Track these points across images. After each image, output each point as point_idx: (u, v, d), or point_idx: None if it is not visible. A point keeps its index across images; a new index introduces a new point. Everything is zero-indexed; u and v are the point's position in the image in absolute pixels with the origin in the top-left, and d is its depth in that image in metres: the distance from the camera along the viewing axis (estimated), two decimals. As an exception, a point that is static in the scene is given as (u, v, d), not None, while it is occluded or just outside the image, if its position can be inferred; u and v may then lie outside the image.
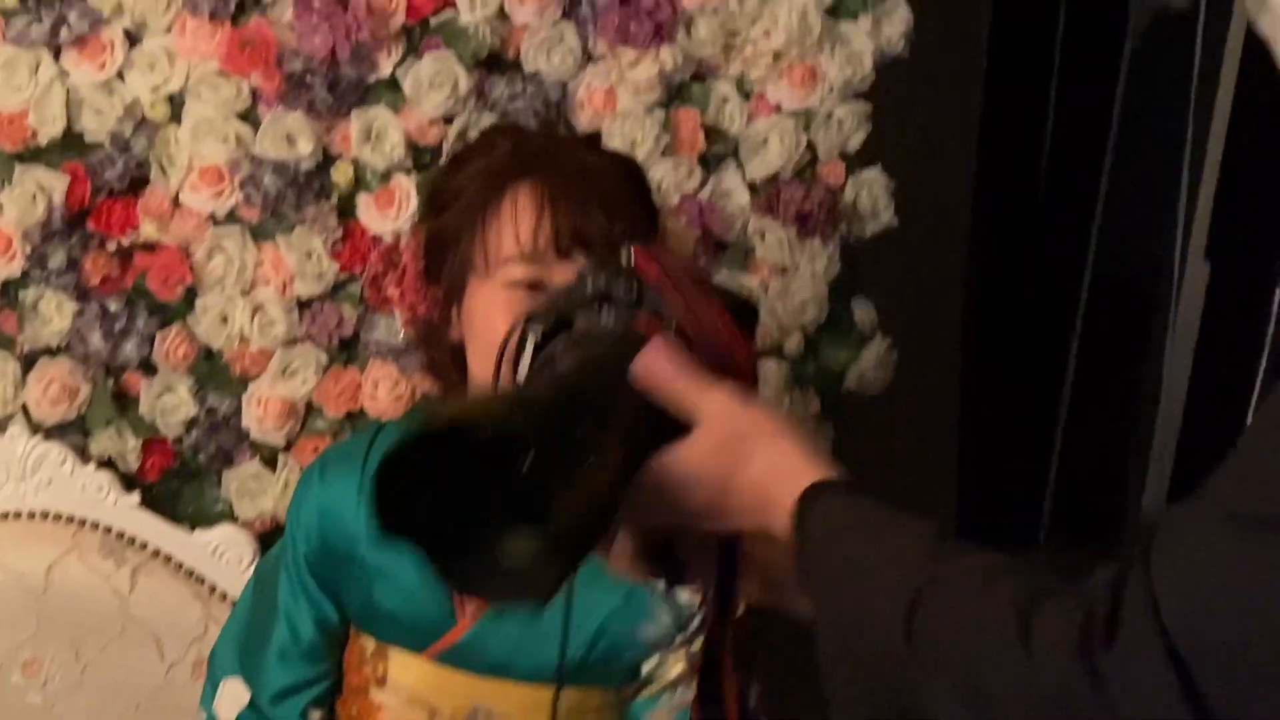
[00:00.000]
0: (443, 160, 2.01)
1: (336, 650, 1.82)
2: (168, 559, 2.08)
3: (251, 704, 1.81)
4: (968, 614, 0.93)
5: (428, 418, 0.91)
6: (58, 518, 2.06)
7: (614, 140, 2.08)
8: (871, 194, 2.21)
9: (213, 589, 2.09)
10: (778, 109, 2.16)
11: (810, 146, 2.18)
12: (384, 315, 2.10)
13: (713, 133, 2.16)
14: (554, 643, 1.64)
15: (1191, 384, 2.36)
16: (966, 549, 0.99)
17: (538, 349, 1.10)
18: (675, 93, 2.15)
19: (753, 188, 2.17)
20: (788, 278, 2.19)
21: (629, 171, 1.75)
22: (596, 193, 1.64)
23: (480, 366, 1.67)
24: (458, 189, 1.70)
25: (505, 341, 1.12)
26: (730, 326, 1.09)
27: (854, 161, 2.20)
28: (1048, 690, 0.87)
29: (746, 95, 2.16)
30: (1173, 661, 0.82)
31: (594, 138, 1.82)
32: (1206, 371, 2.34)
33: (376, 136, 2.07)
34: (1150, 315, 2.50)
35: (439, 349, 1.75)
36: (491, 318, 1.62)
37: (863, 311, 2.24)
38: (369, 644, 1.79)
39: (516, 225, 1.62)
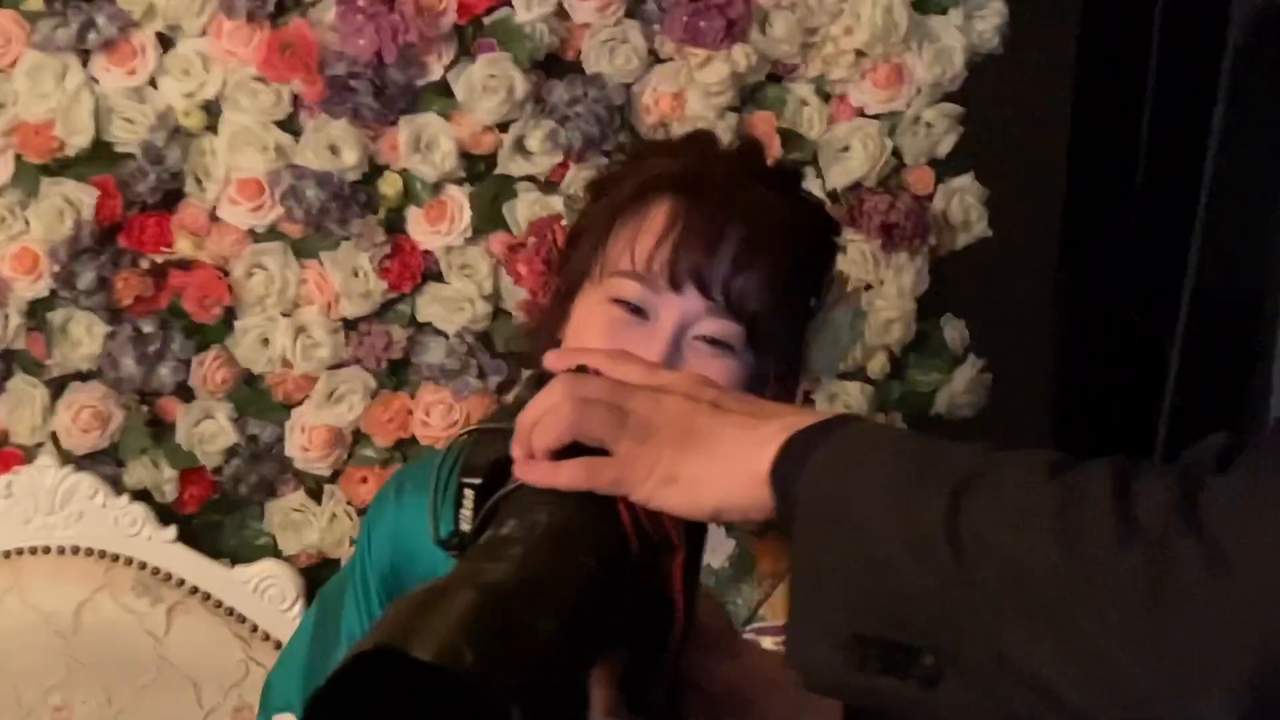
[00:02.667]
0: None
1: None
2: (206, 597, 1.97)
3: None
4: (1027, 499, 0.78)
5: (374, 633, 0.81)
6: (89, 553, 1.95)
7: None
8: (963, 203, 2.07)
9: (254, 628, 1.97)
10: (860, 112, 2.02)
11: (896, 152, 2.04)
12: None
13: (790, 137, 2.01)
14: None
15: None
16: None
17: (479, 501, 0.99)
18: (749, 95, 2.02)
19: (833, 197, 2.03)
20: (872, 294, 2.05)
21: (806, 226, 1.51)
22: (740, 234, 1.43)
23: None
24: (615, 181, 1.53)
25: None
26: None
27: (944, 168, 2.06)
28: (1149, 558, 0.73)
29: (826, 97, 2.02)
30: None
31: (792, 174, 1.57)
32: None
33: (426, 145, 1.93)
34: (1256, 329, 2.31)
35: (547, 345, 1.58)
36: (585, 332, 1.45)
37: (954, 330, 2.11)
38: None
39: (636, 238, 1.45)
